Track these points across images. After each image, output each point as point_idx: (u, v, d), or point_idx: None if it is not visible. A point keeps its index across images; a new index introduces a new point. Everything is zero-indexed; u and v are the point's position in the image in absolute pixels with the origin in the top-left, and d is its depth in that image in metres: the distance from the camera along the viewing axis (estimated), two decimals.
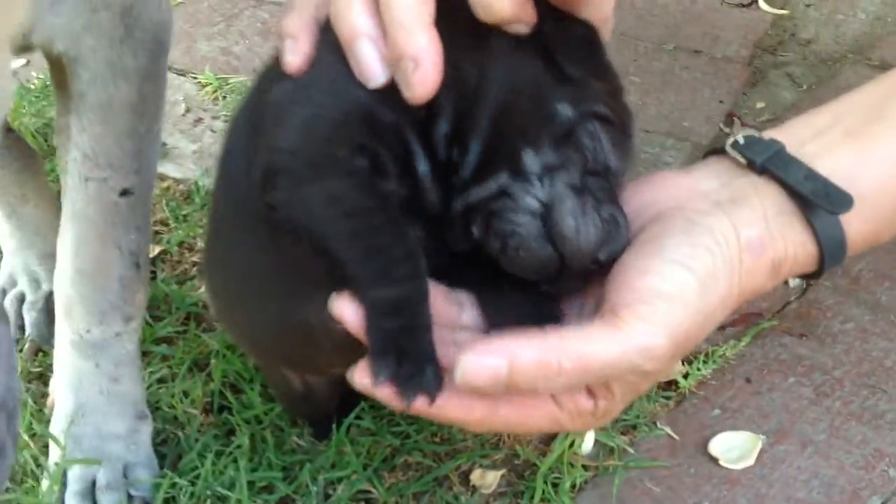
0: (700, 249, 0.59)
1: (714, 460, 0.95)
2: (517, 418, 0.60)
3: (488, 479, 0.94)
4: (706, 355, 1.03)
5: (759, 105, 1.44)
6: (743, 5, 1.66)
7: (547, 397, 0.60)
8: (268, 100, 0.65)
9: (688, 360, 1.03)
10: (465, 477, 0.95)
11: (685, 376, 1.01)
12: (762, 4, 1.65)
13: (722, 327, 1.07)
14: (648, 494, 0.92)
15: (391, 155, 0.61)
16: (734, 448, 0.96)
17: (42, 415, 0.98)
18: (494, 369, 0.55)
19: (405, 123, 0.61)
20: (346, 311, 0.59)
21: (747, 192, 0.63)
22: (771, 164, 0.63)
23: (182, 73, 1.52)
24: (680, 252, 0.59)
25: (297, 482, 0.92)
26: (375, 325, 0.59)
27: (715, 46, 1.57)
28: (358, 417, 0.96)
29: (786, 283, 1.11)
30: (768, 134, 0.66)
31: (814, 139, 0.65)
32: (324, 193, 0.60)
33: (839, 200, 0.62)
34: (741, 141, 0.65)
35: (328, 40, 0.63)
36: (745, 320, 1.08)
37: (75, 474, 0.91)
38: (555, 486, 0.92)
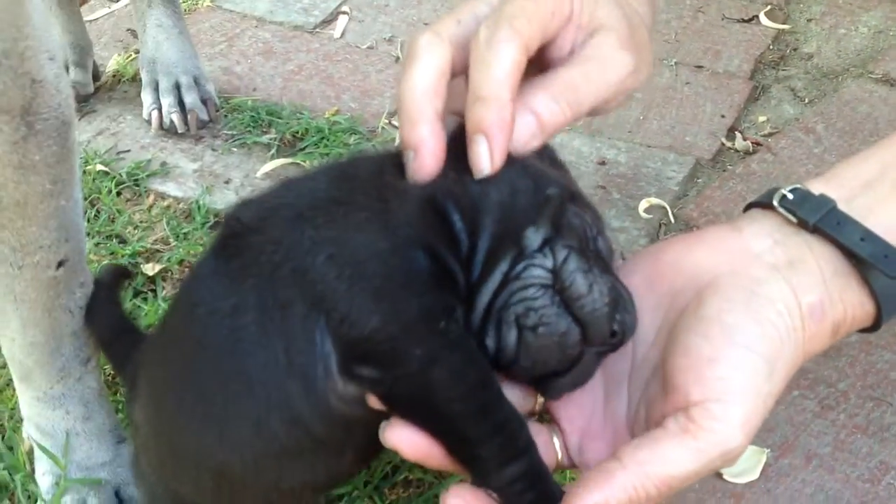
0: (767, 327, 0.59)
1: (718, 474, 0.94)
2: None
3: None
4: None
5: (762, 119, 1.44)
6: (744, 20, 1.66)
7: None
8: (314, 268, 0.60)
9: None
10: None
11: None
12: (764, 19, 1.65)
13: None
14: None
15: (459, 297, 0.61)
16: (739, 462, 0.94)
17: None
18: None
19: (449, 253, 0.61)
20: (466, 502, 0.58)
21: (803, 254, 0.62)
22: (824, 224, 0.61)
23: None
24: (747, 334, 0.58)
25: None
26: (519, 501, 0.58)
27: (717, 61, 1.57)
28: None
29: None
30: (816, 186, 0.64)
31: (864, 192, 0.64)
32: (447, 371, 0.58)
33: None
34: (790, 196, 0.63)
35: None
36: None
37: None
38: None
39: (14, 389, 1.01)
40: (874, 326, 0.63)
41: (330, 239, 0.60)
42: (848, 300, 0.61)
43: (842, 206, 0.62)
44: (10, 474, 0.94)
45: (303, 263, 0.60)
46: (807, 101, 1.47)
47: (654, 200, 1.29)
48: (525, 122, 0.61)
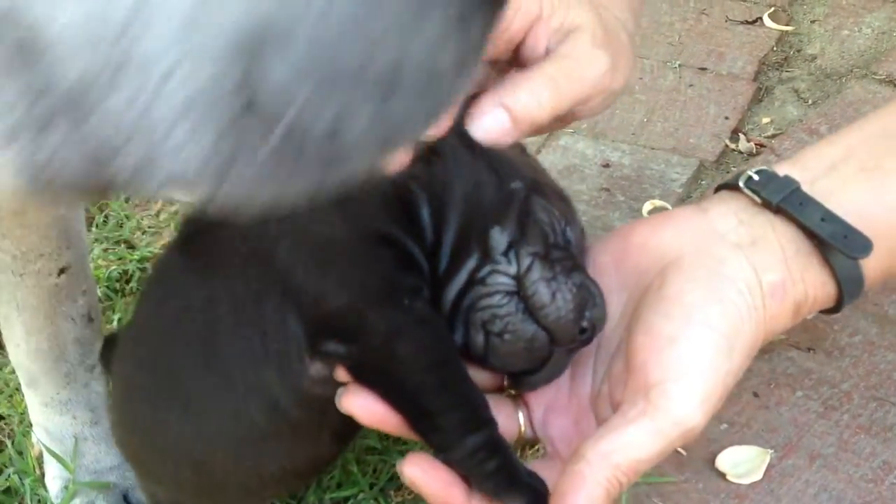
0: (727, 306, 0.60)
1: (721, 475, 0.94)
2: None
3: None
4: None
5: (765, 121, 1.45)
6: (748, 22, 1.67)
7: None
8: (279, 257, 0.62)
9: None
10: None
11: None
12: (767, 21, 1.66)
13: None
14: None
15: (424, 282, 0.62)
16: (742, 463, 0.95)
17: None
18: None
19: (412, 242, 0.63)
20: (423, 470, 0.60)
21: (766, 234, 0.63)
22: (787, 204, 0.63)
23: None
24: (708, 313, 0.59)
25: (303, 502, 0.92)
26: (480, 471, 0.60)
27: (720, 63, 1.57)
28: (364, 437, 0.96)
29: None
30: (782, 168, 0.66)
31: (828, 174, 0.65)
32: (410, 344, 0.60)
33: (858, 245, 0.62)
34: (755, 178, 0.65)
35: None
36: None
37: None
38: None
39: (23, 395, 1.02)
40: (836, 308, 0.64)
41: (293, 230, 0.62)
42: (809, 280, 0.62)
43: (805, 188, 0.63)
44: (20, 479, 0.95)
45: (269, 253, 0.62)
46: (810, 102, 1.48)
47: (658, 202, 1.29)
48: (496, 116, 0.61)
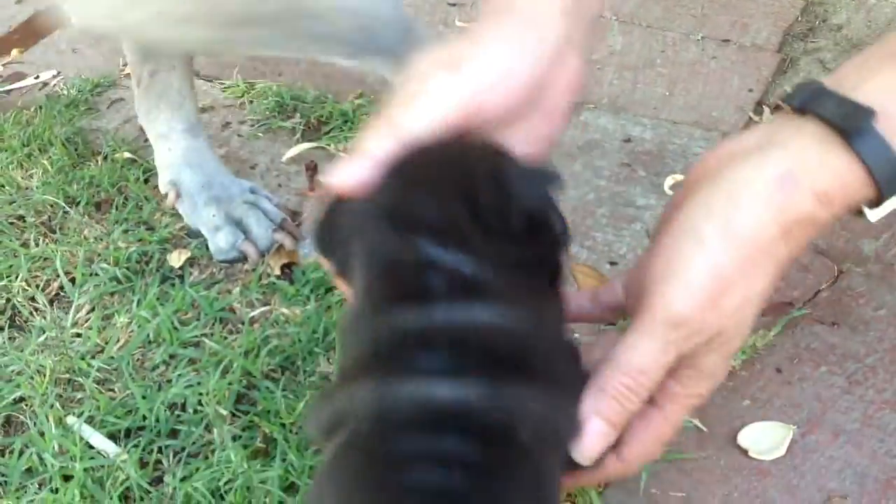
0: (717, 201, 0.59)
1: (744, 451, 0.93)
2: (645, 448, 0.63)
3: None
4: None
5: None
6: None
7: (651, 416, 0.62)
8: None
9: None
10: None
11: None
12: None
13: None
14: (677, 487, 0.91)
15: None
16: (764, 439, 0.94)
17: None
18: (601, 435, 0.59)
19: None
20: None
21: (785, 131, 0.61)
22: (809, 103, 0.61)
23: (210, 80, 1.53)
24: (696, 216, 0.59)
25: None
26: None
27: (744, 35, 1.55)
28: None
29: (823, 257, 1.09)
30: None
31: (858, 71, 0.62)
32: None
33: (858, 114, 0.59)
34: (788, 89, 0.63)
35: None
36: (775, 310, 1.06)
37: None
38: None
39: (45, 376, 1.03)
40: (880, 196, 0.61)
41: None
42: (832, 166, 0.59)
43: (830, 85, 0.61)
44: (40, 458, 0.95)
45: None
46: None
47: (680, 177, 1.28)
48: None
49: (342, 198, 0.60)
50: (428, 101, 0.60)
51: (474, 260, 0.54)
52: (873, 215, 0.62)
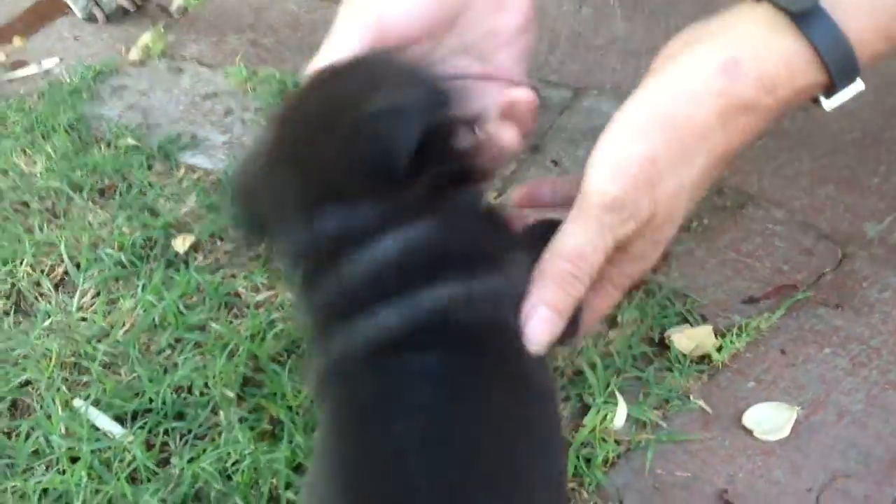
0: (659, 88, 0.58)
1: (748, 432, 0.93)
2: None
3: None
4: (739, 328, 1.02)
5: None
6: None
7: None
8: None
9: (721, 333, 1.01)
10: None
11: (718, 349, 1.00)
12: None
13: (756, 300, 1.05)
14: (682, 467, 0.91)
15: None
16: (769, 419, 0.94)
17: None
18: (548, 322, 0.58)
19: None
20: None
21: (741, 20, 0.60)
22: None
23: (212, 66, 1.53)
24: (635, 104, 0.59)
25: None
26: None
27: None
28: None
29: (827, 240, 1.10)
30: None
31: None
32: None
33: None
34: None
35: None
36: (779, 292, 1.06)
37: None
38: (587, 461, 0.92)
39: (51, 360, 1.03)
40: (832, 85, 0.60)
41: None
42: (778, 50, 0.58)
43: None
44: (46, 440, 0.96)
45: None
46: None
47: None
48: None
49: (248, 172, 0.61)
50: (338, 34, 0.63)
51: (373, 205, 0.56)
52: (828, 104, 0.61)
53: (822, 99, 0.60)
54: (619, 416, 0.95)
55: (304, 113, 0.58)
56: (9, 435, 0.99)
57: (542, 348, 0.58)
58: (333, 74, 0.59)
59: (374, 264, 0.55)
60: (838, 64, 0.59)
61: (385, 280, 0.55)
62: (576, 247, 0.59)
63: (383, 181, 0.54)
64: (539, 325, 0.58)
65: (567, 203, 0.67)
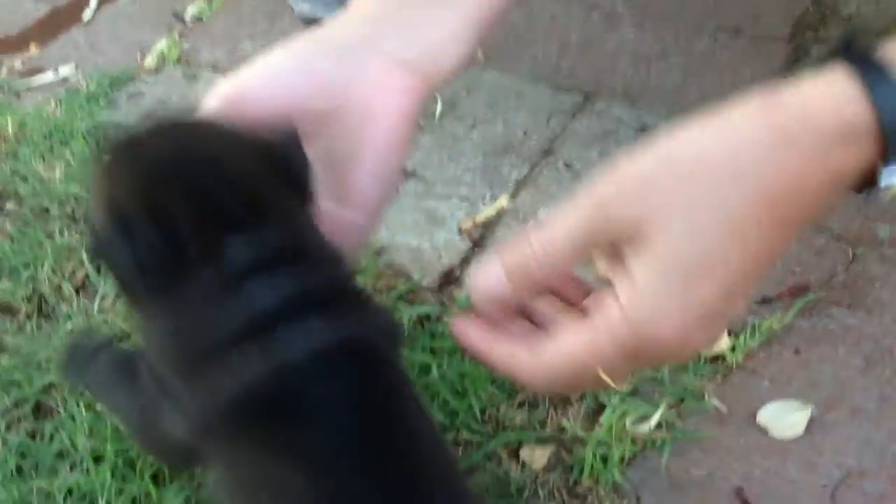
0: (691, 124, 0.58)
1: (763, 431, 0.95)
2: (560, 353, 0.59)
3: (537, 455, 0.94)
4: (753, 328, 1.03)
5: None
6: None
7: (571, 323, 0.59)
8: None
9: (734, 334, 1.03)
10: (514, 454, 0.95)
11: (732, 349, 1.01)
12: None
13: (769, 300, 1.06)
14: (698, 465, 0.93)
15: None
16: (783, 418, 0.95)
17: None
18: (492, 272, 0.60)
19: None
20: None
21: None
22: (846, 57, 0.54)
23: (227, 73, 1.54)
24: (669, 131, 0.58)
25: None
26: None
27: (756, 25, 1.56)
28: None
29: (839, 241, 1.11)
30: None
31: None
32: None
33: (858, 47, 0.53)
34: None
35: None
36: (791, 293, 1.07)
37: None
38: (604, 459, 0.93)
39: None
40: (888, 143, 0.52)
41: None
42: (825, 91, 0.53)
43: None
44: (71, 442, 0.97)
45: None
46: None
47: None
48: None
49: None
50: (210, 97, 0.68)
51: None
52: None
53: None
54: (635, 415, 0.96)
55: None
56: (33, 436, 1.00)
57: (478, 295, 0.60)
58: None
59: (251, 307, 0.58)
60: (883, 102, 0.53)
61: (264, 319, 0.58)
62: (551, 230, 0.58)
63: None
64: (484, 269, 0.60)
65: None
